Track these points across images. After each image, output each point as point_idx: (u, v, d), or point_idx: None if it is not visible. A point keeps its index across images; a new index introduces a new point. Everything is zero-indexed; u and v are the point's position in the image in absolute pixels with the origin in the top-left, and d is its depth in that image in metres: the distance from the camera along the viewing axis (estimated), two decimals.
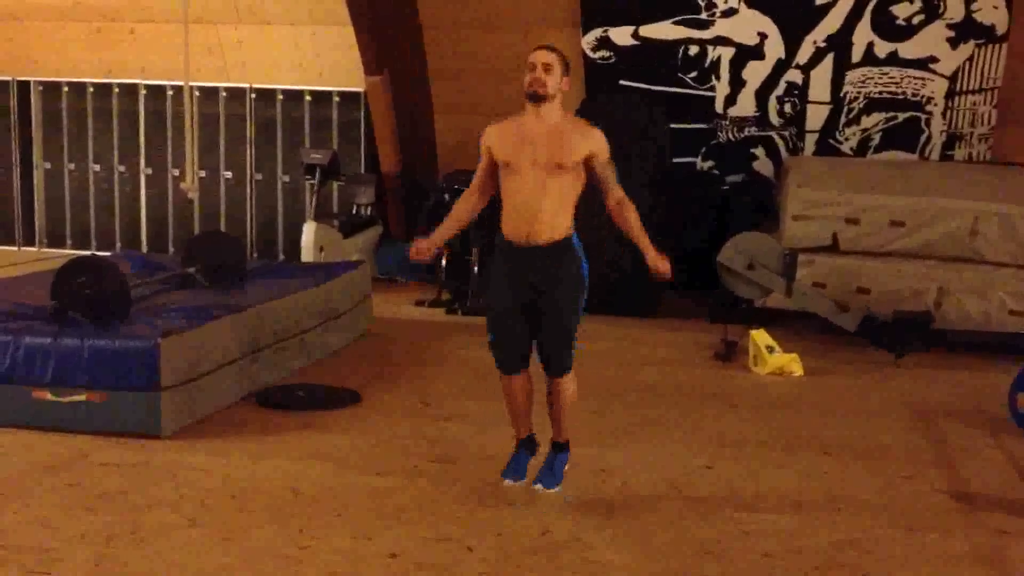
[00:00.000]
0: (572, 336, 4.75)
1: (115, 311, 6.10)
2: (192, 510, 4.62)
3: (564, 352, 4.75)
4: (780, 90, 10.56)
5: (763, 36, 10.46)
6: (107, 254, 9.83)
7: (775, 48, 10.46)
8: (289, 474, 5.11)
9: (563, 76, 4.64)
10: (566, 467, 4.99)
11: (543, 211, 4.58)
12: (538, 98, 4.59)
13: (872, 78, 10.37)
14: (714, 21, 10.48)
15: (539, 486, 4.91)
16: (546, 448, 5.11)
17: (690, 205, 10.32)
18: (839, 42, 10.32)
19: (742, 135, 10.74)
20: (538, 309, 4.69)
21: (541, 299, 4.67)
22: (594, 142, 4.65)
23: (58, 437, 5.53)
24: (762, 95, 10.59)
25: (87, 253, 10.83)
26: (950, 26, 10.09)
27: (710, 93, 10.67)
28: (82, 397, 5.60)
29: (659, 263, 4.72)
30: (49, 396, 5.63)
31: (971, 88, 10.20)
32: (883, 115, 10.44)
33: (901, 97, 10.36)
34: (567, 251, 4.67)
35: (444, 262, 9.87)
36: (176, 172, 11.70)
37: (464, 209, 4.89)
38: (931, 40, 10.16)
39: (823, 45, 10.36)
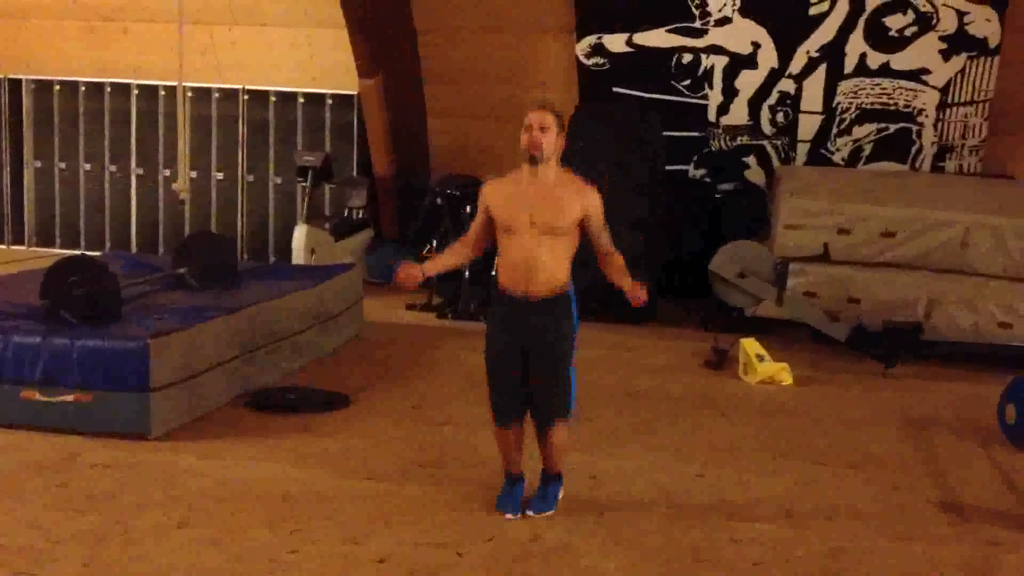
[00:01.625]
0: (564, 388, 4.75)
1: (105, 311, 6.08)
2: (182, 512, 4.60)
3: (556, 403, 4.75)
4: (773, 99, 10.58)
5: (756, 45, 10.49)
6: (97, 254, 9.79)
7: (768, 57, 10.48)
8: (280, 477, 5.10)
9: (558, 135, 4.67)
10: (560, 496, 4.96)
11: (540, 268, 4.64)
12: (535, 161, 4.62)
13: (864, 89, 10.41)
14: (708, 30, 10.50)
15: (531, 513, 4.84)
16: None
17: (683, 213, 10.33)
18: (832, 52, 10.35)
19: (734, 144, 10.76)
20: (532, 360, 4.70)
21: (534, 350, 4.68)
22: (589, 203, 4.68)
23: (48, 437, 5.51)
24: (755, 104, 10.61)
25: (77, 252, 10.78)
26: (943, 38, 10.12)
27: (703, 101, 10.69)
28: (71, 397, 5.58)
29: (636, 290, 4.71)
30: (38, 396, 5.60)
31: (963, 100, 10.24)
32: (875, 126, 10.47)
33: (893, 108, 10.39)
34: (561, 304, 4.72)
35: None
36: (167, 172, 11.66)
37: (460, 254, 4.95)
38: (923, 52, 10.20)
39: (816, 55, 10.39)
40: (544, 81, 10.75)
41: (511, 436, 4.85)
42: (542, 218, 4.62)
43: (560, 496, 4.93)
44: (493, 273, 4.88)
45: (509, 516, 4.84)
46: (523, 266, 4.65)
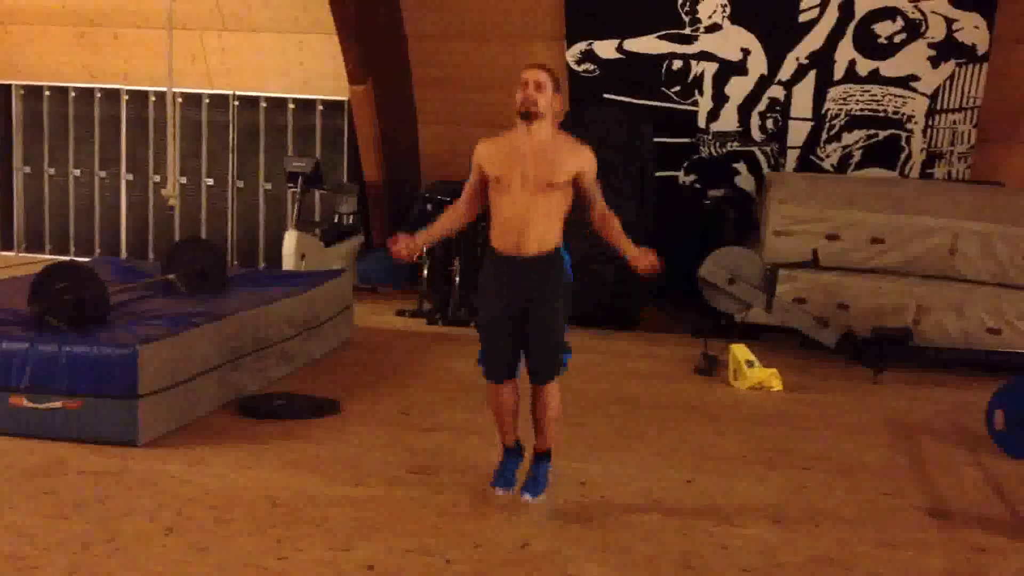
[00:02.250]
0: (559, 345, 4.78)
1: (94, 317, 6.06)
2: (169, 519, 4.58)
3: (551, 361, 4.79)
4: (762, 106, 10.61)
5: (746, 52, 10.52)
6: (86, 260, 9.76)
7: (758, 64, 10.51)
8: (268, 484, 5.08)
9: (554, 94, 4.70)
10: (549, 476, 5.00)
11: (533, 226, 4.65)
12: (530, 116, 4.65)
13: (854, 95, 10.44)
14: (698, 36, 10.53)
15: (526, 496, 4.90)
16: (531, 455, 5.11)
17: (673, 219, 10.35)
18: (821, 59, 10.39)
19: (724, 150, 10.78)
20: (526, 319, 4.72)
21: (530, 309, 4.70)
22: (583, 160, 4.72)
23: (35, 444, 5.49)
24: (744, 111, 10.64)
25: (66, 259, 10.76)
26: (931, 45, 10.17)
27: (693, 108, 10.71)
28: (59, 404, 5.55)
29: (642, 257, 4.73)
30: (26, 403, 5.58)
31: (951, 107, 10.29)
32: (864, 132, 10.51)
33: (882, 115, 10.43)
34: (555, 263, 4.74)
35: (426, 272, 9.86)
36: (157, 178, 11.64)
37: (451, 219, 4.96)
38: (912, 59, 10.24)
39: (806, 62, 10.42)
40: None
41: (503, 394, 4.87)
42: (535, 174, 4.62)
43: (549, 475, 4.96)
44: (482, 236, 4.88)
45: (499, 491, 4.86)
46: (515, 223, 4.65)
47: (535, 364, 4.80)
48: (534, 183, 4.62)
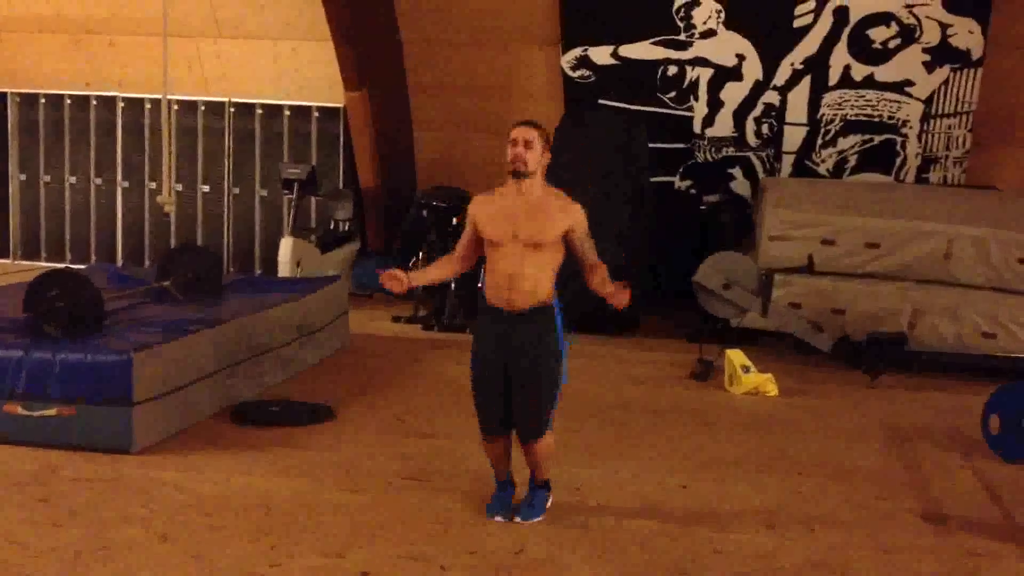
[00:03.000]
0: (546, 405, 4.76)
1: (88, 324, 6.06)
2: (163, 526, 4.58)
3: (537, 420, 4.76)
4: (758, 111, 10.62)
5: (741, 58, 10.53)
6: (82, 267, 9.76)
7: (753, 69, 10.53)
8: (262, 490, 5.08)
9: (543, 151, 4.72)
10: (548, 504, 4.97)
11: (524, 282, 4.70)
12: (519, 175, 4.68)
13: (849, 100, 10.46)
14: (693, 42, 10.54)
15: (519, 519, 4.85)
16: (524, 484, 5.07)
17: (668, 224, 10.36)
18: (816, 65, 10.41)
19: (720, 155, 10.79)
20: (514, 373, 4.71)
21: (518, 362, 4.69)
22: (573, 218, 4.74)
23: (28, 451, 5.47)
24: (740, 116, 10.66)
25: (61, 266, 10.75)
26: (926, 50, 10.19)
27: (688, 113, 10.73)
28: (54, 411, 5.54)
29: (617, 294, 4.72)
30: (20, 410, 5.57)
31: (946, 112, 10.30)
32: (859, 137, 10.52)
33: (877, 120, 10.44)
34: (546, 316, 4.74)
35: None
36: (153, 185, 11.64)
37: (447, 268, 5.03)
38: (907, 64, 10.26)
39: (800, 67, 10.44)
40: (530, 93, 10.77)
41: (498, 447, 4.89)
42: (526, 231, 4.67)
43: (548, 504, 4.93)
44: (480, 285, 4.91)
45: (498, 519, 4.85)
46: (507, 279, 4.70)
47: (519, 423, 4.77)
48: (525, 242, 4.67)
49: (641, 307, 9.61)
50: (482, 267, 4.89)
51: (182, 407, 5.97)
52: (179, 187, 11.41)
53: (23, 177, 12.09)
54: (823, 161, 10.63)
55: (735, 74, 10.57)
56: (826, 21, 10.30)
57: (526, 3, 10.54)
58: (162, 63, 9.25)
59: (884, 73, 10.32)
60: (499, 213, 4.74)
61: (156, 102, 11.23)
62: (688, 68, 10.62)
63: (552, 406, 4.80)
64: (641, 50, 10.64)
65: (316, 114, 11.31)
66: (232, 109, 11.48)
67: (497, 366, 4.73)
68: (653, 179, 10.41)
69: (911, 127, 10.39)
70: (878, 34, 10.27)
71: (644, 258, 9.66)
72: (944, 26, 10.10)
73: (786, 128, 10.63)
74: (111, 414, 5.51)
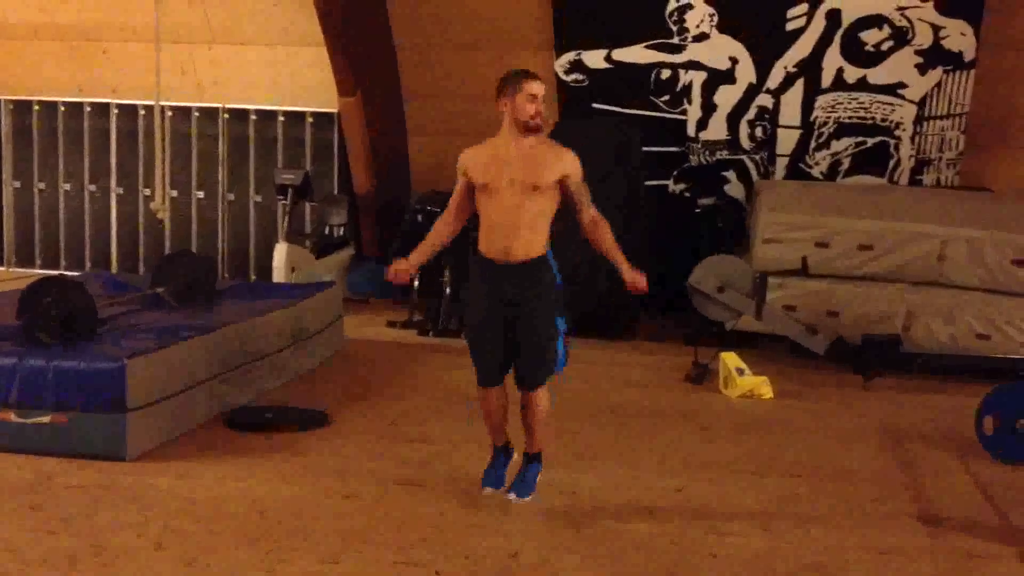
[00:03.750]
0: (547, 350, 4.80)
1: (82, 331, 6.04)
2: (157, 533, 4.57)
3: (539, 367, 4.81)
4: (751, 114, 10.63)
5: (734, 61, 10.54)
6: (76, 274, 9.74)
7: (746, 73, 10.54)
8: (256, 496, 5.07)
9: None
10: (539, 477, 5.03)
11: (519, 230, 4.68)
12: (537, 129, 4.70)
13: (842, 103, 10.47)
14: (686, 46, 10.55)
15: (512, 495, 4.92)
16: (520, 458, 5.14)
17: (663, 228, 10.35)
18: (809, 67, 10.42)
19: (714, 159, 10.80)
20: (515, 324, 4.74)
21: (518, 314, 4.73)
22: (568, 164, 4.77)
23: (22, 459, 5.46)
24: (733, 119, 10.67)
25: (56, 272, 10.73)
26: (919, 52, 10.20)
27: (682, 117, 10.73)
28: (47, 419, 5.53)
29: (635, 277, 4.78)
30: (14, 417, 5.56)
31: (939, 114, 10.32)
32: (853, 140, 10.53)
33: (870, 122, 10.46)
34: (542, 268, 4.78)
35: (416, 283, 9.85)
36: (148, 192, 11.63)
37: (442, 231, 5.00)
38: (900, 66, 10.27)
39: (793, 70, 10.45)
40: None
41: (494, 397, 4.91)
42: (521, 176, 4.68)
43: (538, 478, 4.98)
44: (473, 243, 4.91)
45: (488, 490, 4.87)
46: (503, 227, 4.69)
47: (522, 369, 4.83)
48: (520, 186, 4.67)
49: (638, 310, 9.62)
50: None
51: (176, 414, 5.96)
52: (174, 193, 11.41)
53: (17, 184, 12.08)
54: (817, 164, 10.64)
55: (728, 77, 10.58)
56: (819, 24, 10.30)
57: (519, 8, 10.55)
58: (155, 70, 9.24)
59: (877, 75, 10.34)
60: (492, 160, 4.74)
61: (150, 108, 11.21)
62: (681, 71, 10.63)
63: (559, 349, 4.80)
64: (634, 54, 10.65)
65: (310, 120, 11.31)
66: (226, 115, 11.47)
67: (495, 317, 4.76)
68: (647, 183, 10.42)
69: (904, 129, 10.41)
70: (871, 36, 10.28)
71: (641, 262, 9.64)
72: (936, 28, 10.11)
73: (780, 131, 10.63)
74: (105, 421, 5.49)
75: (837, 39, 10.32)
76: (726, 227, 10.13)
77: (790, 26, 10.37)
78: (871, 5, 10.18)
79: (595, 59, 10.69)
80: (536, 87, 4.74)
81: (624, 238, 9.00)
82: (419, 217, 10.05)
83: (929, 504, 5.36)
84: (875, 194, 9.63)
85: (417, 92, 11.10)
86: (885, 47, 10.27)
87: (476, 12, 10.57)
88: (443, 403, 6.96)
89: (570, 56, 10.71)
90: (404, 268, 4.86)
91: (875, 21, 10.23)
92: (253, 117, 11.43)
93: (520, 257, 4.70)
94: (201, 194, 11.62)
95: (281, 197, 10.41)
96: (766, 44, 10.44)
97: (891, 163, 10.50)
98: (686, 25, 10.49)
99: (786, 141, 10.65)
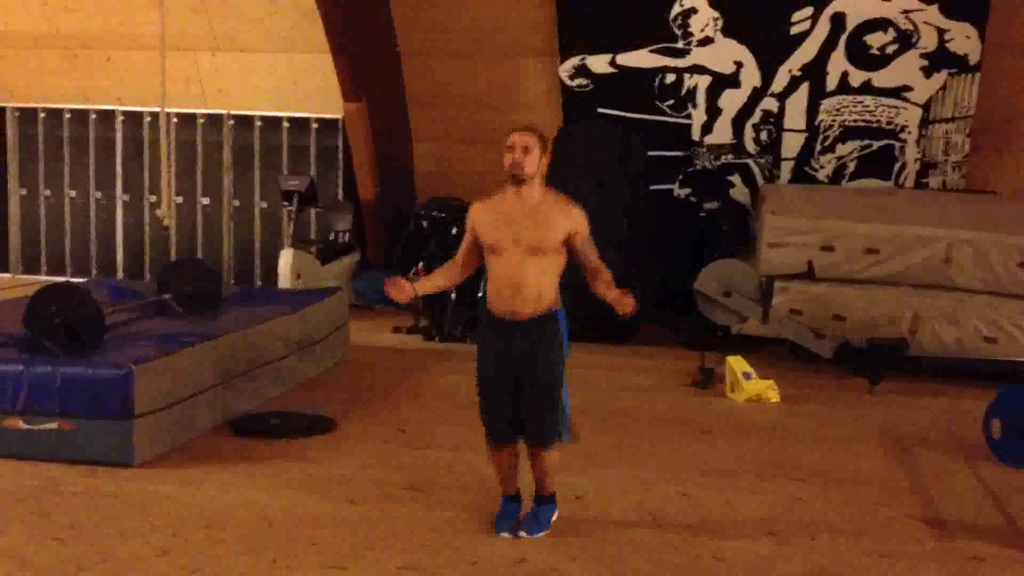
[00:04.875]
0: (555, 409, 4.74)
1: (88, 339, 6.06)
2: (163, 540, 4.57)
3: (549, 425, 4.74)
4: (756, 118, 10.63)
5: (739, 65, 10.54)
6: (82, 280, 9.76)
7: (751, 77, 10.54)
8: (262, 503, 5.07)
9: (542, 156, 4.68)
10: (553, 518, 4.94)
11: (526, 288, 4.64)
12: (518, 180, 4.65)
13: (847, 106, 10.47)
14: (690, 50, 10.56)
15: (523, 534, 4.83)
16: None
17: (668, 232, 10.36)
18: (814, 71, 10.41)
19: (718, 163, 10.80)
20: (521, 382, 4.70)
21: (524, 372, 4.68)
22: (574, 221, 4.70)
23: (28, 466, 5.47)
24: (738, 123, 10.67)
25: (62, 280, 10.76)
26: (923, 55, 10.20)
27: (687, 121, 10.74)
28: (54, 425, 5.54)
29: (622, 301, 4.71)
30: (21, 424, 5.57)
31: (944, 117, 10.31)
32: (858, 143, 10.52)
33: (876, 125, 10.45)
34: (549, 325, 4.71)
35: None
36: (153, 198, 11.66)
37: (447, 277, 4.97)
38: (905, 69, 10.27)
39: (798, 74, 10.45)
40: (528, 103, 10.78)
41: (505, 457, 4.85)
42: (527, 237, 4.63)
43: (554, 518, 4.91)
44: (480, 295, 4.89)
45: (504, 535, 4.83)
46: (509, 286, 4.65)
47: (533, 429, 4.75)
48: (526, 247, 4.63)
49: (641, 315, 9.61)
50: (481, 277, 4.88)
51: (182, 420, 5.96)
52: (179, 200, 11.43)
53: (23, 192, 12.12)
54: (822, 167, 10.63)
55: (733, 81, 10.58)
56: (823, 27, 10.31)
57: (523, 14, 10.56)
58: (160, 77, 9.27)
59: (882, 79, 10.33)
60: (499, 219, 4.69)
61: (155, 116, 11.26)
62: (686, 76, 10.63)
63: (561, 413, 4.77)
64: (639, 58, 10.66)
65: (315, 126, 11.33)
66: (231, 122, 11.50)
67: (503, 375, 4.70)
68: (652, 187, 10.42)
69: (909, 132, 10.40)
70: (875, 40, 10.28)
71: (644, 267, 9.65)
72: (941, 31, 10.11)
73: (785, 135, 10.64)
74: (111, 428, 5.50)
75: (842, 42, 10.32)
76: (731, 231, 10.12)
77: (794, 30, 10.37)
78: (876, 8, 10.18)
79: (599, 64, 10.70)
80: (516, 137, 4.64)
81: (626, 242, 9.14)
82: (423, 223, 10.06)
83: (935, 508, 5.35)
84: (880, 197, 9.62)
85: (421, 98, 11.11)
86: (890, 50, 10.27)
87: (480, 19, 10.58)
88: (449, 410, 6.96)
89: (575, 61, 10.71)
90: (405, 290, 4.79)
91: (880, 24, 10.23)
92: (258, 124, 11.45)
93: (527, 313, 4.66)
94: (206, 200, 11.64)
95: (286, 203, 10.43)
96: (771, 48, 10.45)
97: (896, 166, 10.49)
98: (690, 29, 10.50)
99: (791, 145, 10.65)
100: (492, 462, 4.92)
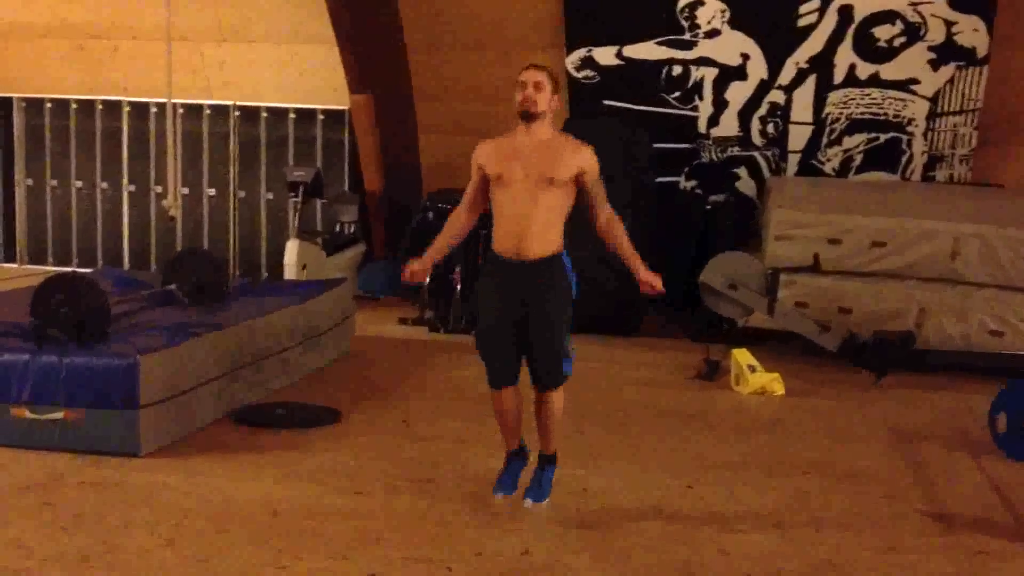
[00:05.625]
0: (561, 350, 4.75)
1: (94, 329, 6.06)
2: (169, 531, 4.58)
3: (554, 366, 4.75)
4: (763, 111, 10.60)
5: (746, 57, 10.51)
6: (89, 271, 9.77)
7: (758, 69, 10.51)
8: (268, 494, 5.08)
9: (553, 94, 4.69)
10: (553, 480, 4.98)
11: (534, 225, 4.62)
12: (529, 116, 4.65)
13: (854, 99, 10.43)
14: (697, 42, 10.53)
15: (528, 501, 4.89)
16: (535, 460, 5.11)
17: (674, 224, 10.34)
18: (821, 63, 10.38)
19: (725, 155, 10.78)
20: (527, 324, 4.69)
21: (530, 314, 4.68)
22: (585, 159, 4.69)
23: (34, 456, 5.48)
24: (745, 115, 10.64)
25: (68, 270, 10.77)
26: (931, 48, 10.16)
27: (693, 113, 10.71)
28: (60, 415, 5.55)
29: (651, 278, 4.73)
30: (27, 414, 5.58)
31: (952, 110, 10.27)
32: (865, 136, 10.50)
33: (883, 118, 10.42)
34: (556, 267, 4.71)
35: (428, 280, 9.85)
36: (159, 189, 11.66)
37: (455, 226, 4.94)
38: (912, 62, 10.23)
39: (805, 66, 10.42)
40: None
41: (506, 400, 4.84)
42: (536, 170, 4.61)
43: (552, 479, 4.94)
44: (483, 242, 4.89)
45: (500, 496, 4.85)
46: (517, 222, 4.62)
47: (539, 370, 4.77)
48: (536, 179, 4.60)
49: (646, 307, 9.60)
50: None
51: (188, 411, 5.97)
52: (185, 191, 11.43)
53: (29, 182, 12.12)
54: (829, 160, 10.61)
55: (740, 73, 10.55)
56: (830, 20, 10.27)
57: (530, 6, 10.53)
58: (166, 68, 9.26)
59: (889, 71, 10.29)
60: (507, 153, 4.67)
61: (162, 107, 11.24)
62: (692, 68, 10.60)
63: (565, 349, 4.77)
64: (645, 50, 10.63)
65: (321, 118, 11.32)
66: (237, 113, 11.49)
67: (507, 317, 4.69)
68: (658, 179, 10.40)
69: (917, 125, 10.37)
70: (883, 32, 10.24)
71: (649, 260, 9.63)
72: (949, 24, 10.07)
73: (791, 127, 10.60)
74: (117, 418, 5.51)
75: (849, 35, 10.28)
76: (737, 224, 10.10)
77: (802, 22, 10.33)
78: (883, 1, 10.15)
79: (606, 56, 10.67)
80: (527, 74, 4.65)
81: (631, 236, 9.10)
82: (429, 215, 10.05)
83: (940, 502, 5.34)
84: (887, 191, 9.59)
85: (427, 91, 11.09)
86: (897, 43, 10.23)
87: (486, 11, 10.56)
88: (454, 401, 6.96)
89: (581, 53, 10.69)
90: (419, 268, 4.81)
91: (887, 17, 10.19)
92: (264, 115, 11.44)
93: (534, 254, 4.64)
94: (212, 191, 11.64)
95: (292, 195, 10.43)
96: (778, 40, 10.41)
97: (903, 159, 10.46)
98: (697, 21, 10.47)
99: (798, 137, 10.61)
100: (495, 408, 4.91)
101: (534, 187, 4.60)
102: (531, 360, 4.78)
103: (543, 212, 4.62)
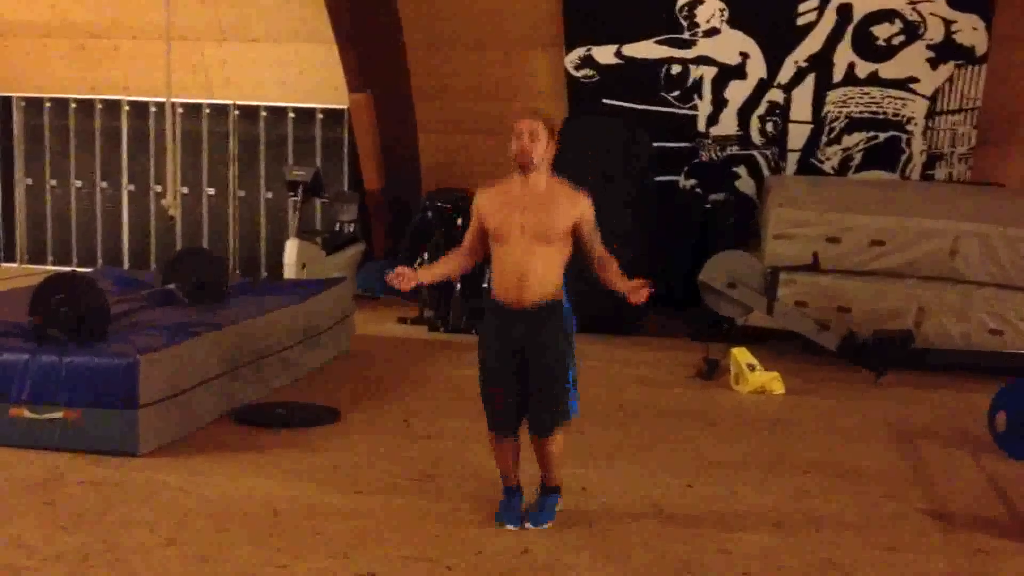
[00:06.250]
0: (560, 396, 4.73)
1: (94, 328, 6.06)
2: (169, 529, 4.58)
3: (552, 413, 4.73)
4: (762, 109, 10.60)
5: (745, 56, 10.51)
6: (88, 270, 9.77)
7: (757, 68, 10.51)
8: (268, 493, 5.08)
9: (548, 143, 4.65)
10: (558, 507, 4.93)
11: (531, 276, 4.62)
12: (525, 168, 4.62)
13: (853, 98, 10.43)
14: (696, 41, 10.53)
15: (529, 525, 4.82)
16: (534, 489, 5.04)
17: (673, 223, 10.34)
18: (820, 62, 10.38)
19: (724, 154, 10.78)
20: (526, 370, 4.69)
21: (530, 364, 4.67)
22: (581, 210, 4.68)
23: (34, 455, 5.49)
24: (744, 114, 10.64)
25: (67, 269, 10.76)
26: (930, 47, 10.16)
27: (693, 112, 10.71)
28: (59, 414, 5.56)
29: (635, 289, 4.69)
30: (27, 413, 5.59)
31: (951, 108, 10.28)
32: (864, 135, 10.50)
33: (882, 117, 10.42)
34: (555, 312, 4.69)
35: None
36: (159, 188, 11.66)
37: (453, 266, 4.94)
38: (911, 61, 10.23)
39: (804, 65, 10.42)
40: (534, 94, 10.77)
41: (507, 447, 4.84)
42: (533, 225, 4.60)
43: (559, 508, 4.91)
44: (485, 284, 4.90)
45: (508, 527, 4.83)
46: (515, 274, 4.63)
47: (536, 416, 4.74)
48: (532, 235, 4.59)
49: (646, 307, 9.60)
50: (486, 267, 4.87)
51: (188, 410, 5.98)
52: (184, 190, 11.42)
53: (29, 181, 12.11)
54: (828, 159, 10.61)
55: (739, 72, 10.55)
56: (830, 18, 10.27)
57: (529, 5, 10.53)
58: (166, 67, 9.26)
59: (888, 70, 10.30)
60: (505, 206, 4.66)
61: (161, 106, 11.23)
62: (692, 67, 10.60)
63: (569, 396, 4.76)
64: (644, 49, 10.63)
65: (320, 117, 11.31)
66: (237, 112, 11.49)
67: (507, 364, 4.69)
68: (657, 178, 10.40)
69: (916, 124, 10.37)
70: (882, 31, 10.24)
71: (648, 260, 9.64)
72: (948, 23, 10.07)
73: (791, 126, 10.60)
74: (117, 417, 5.52)
75: (848, 34, 10.28)
76: (736, 223, 10.10)
77: (801, 21, 10.34)
78: (882, 0, 10.15)
79: (605, 54, 10.67)
80: (523, 124, 4.61)
81: (631, 235, 9.12)
82: (428, 214, 10.05)
83: (940, 501, 5.35)
84: (886, 189, 9.59)
85: (426, 89, 11.09)
86: (896, 42, 10.24)
87: (485, 10, 10.56)
88: (454, 400, 6.96)
89: (580, 52, 10.69)
90: (407, 278, 4.77)
91: (886, 16, 10.19)
92: (263, 114, 11.43)
93: (532, 302, 4.63)
94: (212, 191, 11.64)
95: (292, 194, 10.42)
96: (777, 39, 10.41)
97: (903, 158, 10.47)
98: (696, 20, 10.47)
99: (797, 136, 10.61)
100: (494, 451, 4.90)
101: (531, 243, 4.61)
102: (530, 406, 4.75)
103: (540, 264, 4.62)
